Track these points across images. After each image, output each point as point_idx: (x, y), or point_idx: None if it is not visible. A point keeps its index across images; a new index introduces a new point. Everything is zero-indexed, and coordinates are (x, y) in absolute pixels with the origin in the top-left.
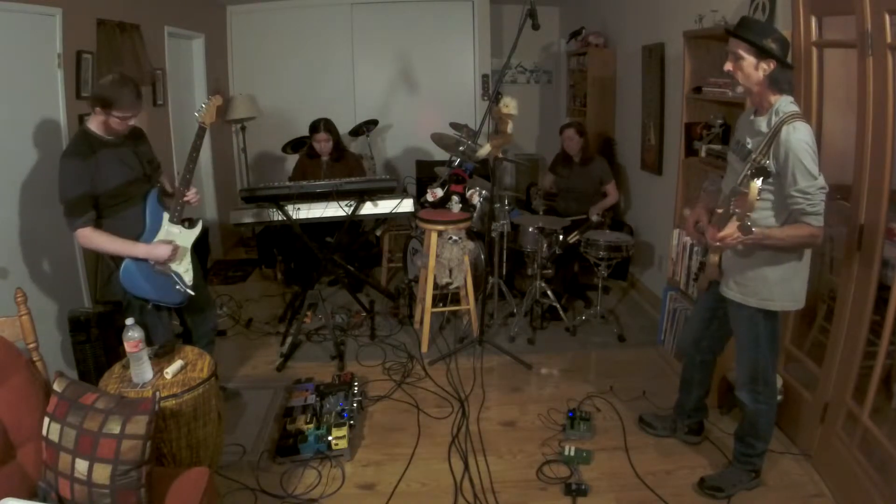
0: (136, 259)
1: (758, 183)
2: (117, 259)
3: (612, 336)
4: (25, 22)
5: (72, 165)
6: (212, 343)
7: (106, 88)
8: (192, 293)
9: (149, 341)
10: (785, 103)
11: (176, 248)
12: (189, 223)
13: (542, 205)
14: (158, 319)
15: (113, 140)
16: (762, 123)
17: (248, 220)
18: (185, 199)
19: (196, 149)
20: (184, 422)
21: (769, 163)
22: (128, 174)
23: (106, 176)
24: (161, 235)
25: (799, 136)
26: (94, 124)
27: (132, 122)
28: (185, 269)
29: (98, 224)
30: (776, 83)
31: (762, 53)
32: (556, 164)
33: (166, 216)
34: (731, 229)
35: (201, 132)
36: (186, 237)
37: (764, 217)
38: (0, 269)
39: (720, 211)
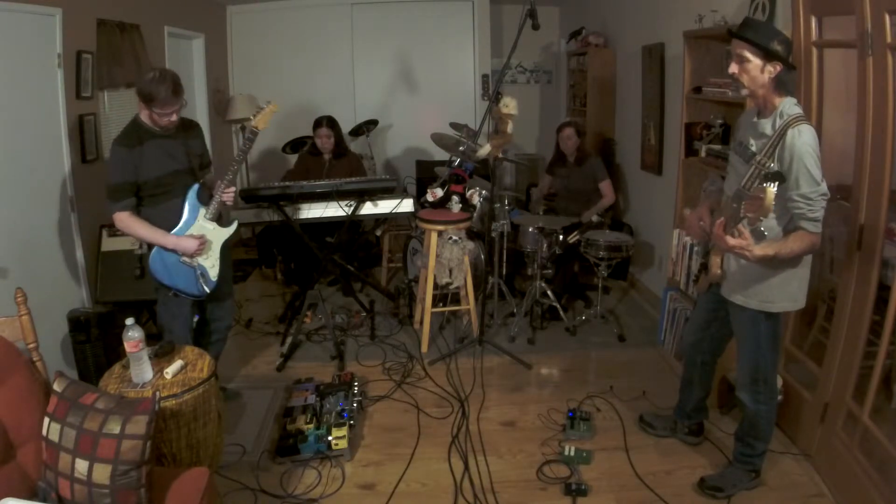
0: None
1: (773, 188)
2: (151, 245)
3: (612, 336)
4: (25, 22)
5: (117, 153)
6: (223, 340)
7: (146, 84)
8: (209, 290)
9: (164, 332)
10: (789, 105)
11: (204, 243)
12: (224, 221)
13: (542, 205)
14: (179, 311)
15: (162, 132)
16: (767, 126)
17: (247, 220)
18: (224, 198)
19: (244, 151)
20: (184, 422)
21: (773, 165)
22: (172, 166)
23: (150, 166)
24: (194, 229)
25: (805, 140)
26: (145, 116)
27: (174, 118)
28: (211, 265)
29: (138, 211)
30: (782, 85)
31: (769, 56)
32: (552, 166)
33: (203, 211)
34: (743, 240)
35: (252, 136)
36: (219, 234)
37: (768, 220)
38: (0, 269)
39: (727, 214)
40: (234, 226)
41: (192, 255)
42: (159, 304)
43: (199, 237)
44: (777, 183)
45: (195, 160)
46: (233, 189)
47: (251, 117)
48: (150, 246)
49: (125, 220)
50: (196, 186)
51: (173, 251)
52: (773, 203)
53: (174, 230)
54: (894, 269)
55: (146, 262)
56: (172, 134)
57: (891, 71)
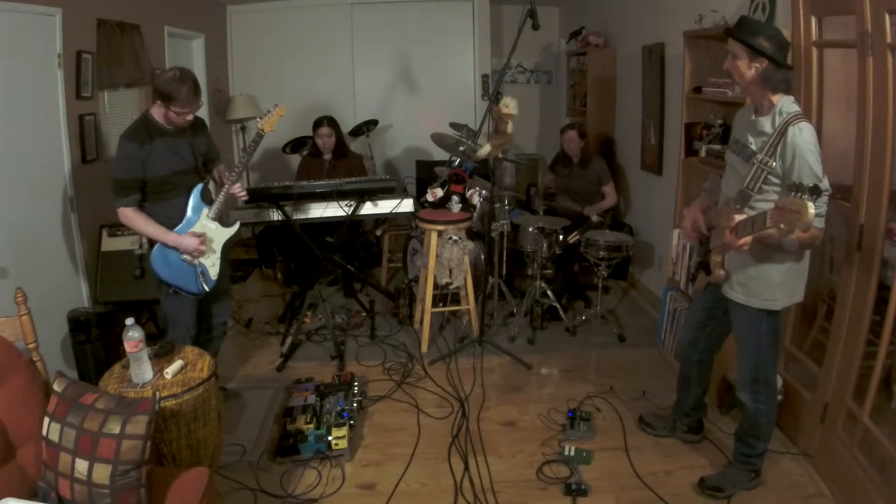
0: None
1: (812, 203)
2: (153, 243)
3: (612, 336)
4: (25, 22)
5: (127, 148)
6: (222, 336)
7: (166, 83)
8: (208, 289)
9: (167, 328)
10: (787, 104)
11: (204, 242)
12: (226, 222)
13: (542, 205)
14: (181, 308)
15: (171, 130)
16: (765, 124)
17: (248, 219)
18: (233, 191)
19: (249, 151)
20: (184, 422)
21: (774, 164)
22: (178, 165)
23: (157, 164)
24: (196, 228)
25: (805, 138)
26: (157, 113)
27: (190, 118)
28: (211, 264)
29: (141, 206)
30: (769, 82)
31: (754, 52)
32: (555, 164)
33: (206, 210)
34: (748, 237)
35: (258, 137)
36: (221, 234)
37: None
38: (0, 269)
39: (739, 217)
40: (236, 226)
41: (192, 254)
42: (162, 300)
43: (200, 235)
44: (816, 197)
45: (200, 159)
46: (239, 184)
47: (258, 119)
48: (152, 243)
49: (129, 215)
50: (200, 186)
51: (174, 249)
52: (813, 219)
53: (177, 228)
54: (894, 269)
55: (146, 261)
56: (180, 133)
57: (891, 71)
